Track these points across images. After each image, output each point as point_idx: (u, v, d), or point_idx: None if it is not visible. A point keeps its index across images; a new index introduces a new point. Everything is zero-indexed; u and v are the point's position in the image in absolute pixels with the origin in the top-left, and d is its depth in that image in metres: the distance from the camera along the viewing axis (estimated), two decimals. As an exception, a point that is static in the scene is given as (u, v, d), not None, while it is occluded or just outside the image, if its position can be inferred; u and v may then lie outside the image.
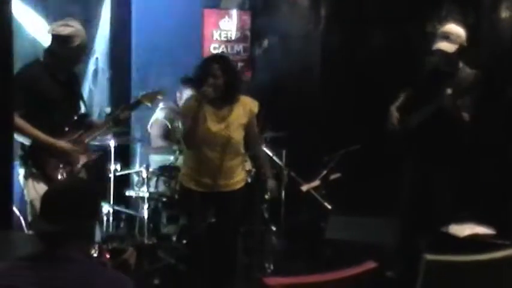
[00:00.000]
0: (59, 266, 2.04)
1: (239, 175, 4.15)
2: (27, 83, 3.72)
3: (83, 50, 3.96)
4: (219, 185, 4.06)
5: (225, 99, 3.98)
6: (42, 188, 3.77)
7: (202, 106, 3.88)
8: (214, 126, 3.99)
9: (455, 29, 4.38)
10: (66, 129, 3.94)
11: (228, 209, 4.16)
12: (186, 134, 3.98)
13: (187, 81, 5.20)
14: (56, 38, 3.88)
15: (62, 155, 3.87)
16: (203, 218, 4.19)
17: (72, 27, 3.87)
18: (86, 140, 4.05)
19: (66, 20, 3.91)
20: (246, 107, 4.06)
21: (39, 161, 3.83)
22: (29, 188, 3.83)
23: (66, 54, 3.90)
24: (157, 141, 5.70)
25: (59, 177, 3.83)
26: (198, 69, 4.02)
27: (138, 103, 4.37)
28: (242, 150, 4.15)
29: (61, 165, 3.86)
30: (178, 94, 5.54)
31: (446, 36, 4.33)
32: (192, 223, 4.28)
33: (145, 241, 5.22)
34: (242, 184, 4.17)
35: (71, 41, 3.84)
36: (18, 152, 3.87)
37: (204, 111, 3.92)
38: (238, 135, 4.05)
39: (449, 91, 4.27)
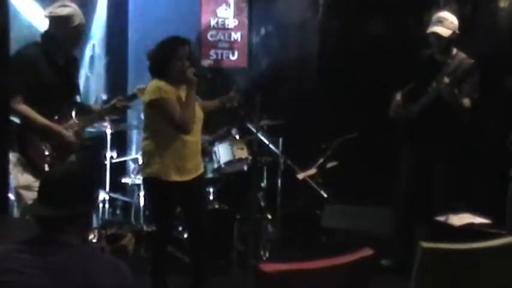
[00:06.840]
0: (55, 250, 2.04)
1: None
2: (26, 63, 3.65)
3: (82, 30, 3.92)
4: (197, 169, 3.93)
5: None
6: (25, 178, 3.68)
7: (192, 89, 3.77)
8: None
9: (449, 15, 4.49)
10: (61, 114, 3.90)
11: (199, 194, 4.07)
12: (188, 119, 3.75)
13: None
14: (55, 19, 3.81)
15: (55, 140, 3.81)
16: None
17: (70, 7, 3.82)
18: (81, 126, 4.01)
19: (62, 1, 3.87)
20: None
21: (23, 147, 3.72)
22: (13, 175, 3.74)
23: (66, 35, 3.83)
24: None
25: (45, 166, 3.74)
26: (163, 52, 3.82)
27: (134, 96, 4.30)
28: None
29: (48, 153, 3.79)
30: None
31: (441, 21, 4.43)
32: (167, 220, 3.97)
33: (145, 228, 5.22)
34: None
35: (70, 20, 3.79)
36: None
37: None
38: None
39: (446, 80, 4.30)
